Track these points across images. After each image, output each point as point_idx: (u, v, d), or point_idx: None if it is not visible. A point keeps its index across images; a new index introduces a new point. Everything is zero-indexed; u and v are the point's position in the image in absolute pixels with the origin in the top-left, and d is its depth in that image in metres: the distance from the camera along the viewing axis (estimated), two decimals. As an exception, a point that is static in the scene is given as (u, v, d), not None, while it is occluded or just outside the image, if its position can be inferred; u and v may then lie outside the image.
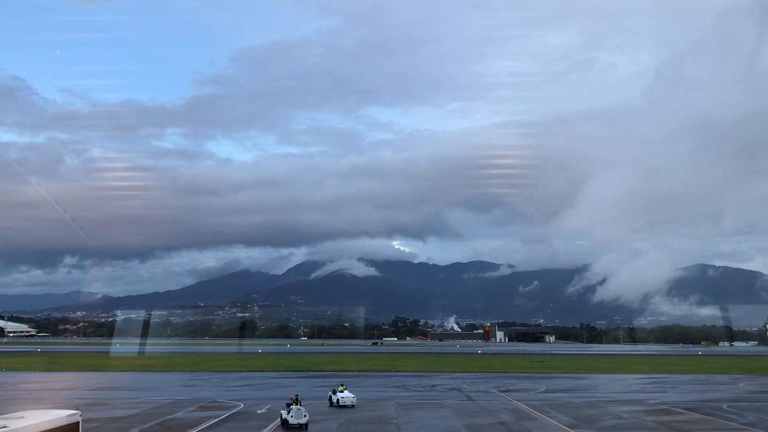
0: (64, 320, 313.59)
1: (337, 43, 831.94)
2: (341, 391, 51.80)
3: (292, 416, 39.34)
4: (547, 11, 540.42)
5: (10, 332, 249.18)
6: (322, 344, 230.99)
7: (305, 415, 39.68)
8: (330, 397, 52.25)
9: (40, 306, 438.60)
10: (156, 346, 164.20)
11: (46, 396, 59.08)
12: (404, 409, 51.08)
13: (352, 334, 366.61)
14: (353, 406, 50.38)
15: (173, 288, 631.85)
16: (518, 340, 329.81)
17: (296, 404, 40.45)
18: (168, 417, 46.47)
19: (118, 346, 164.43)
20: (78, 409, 28.25)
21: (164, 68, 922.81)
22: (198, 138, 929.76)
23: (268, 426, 42.55)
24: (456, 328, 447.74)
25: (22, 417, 25.16)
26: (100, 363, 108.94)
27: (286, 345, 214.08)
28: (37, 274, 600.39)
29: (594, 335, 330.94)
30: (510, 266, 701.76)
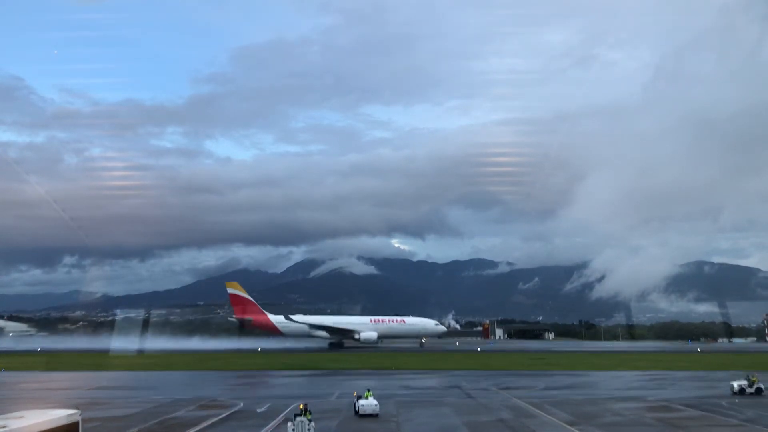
0: (64, 319, 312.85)
1: (335, 41, 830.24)
2: (366, 398, 47.02)
3: (294, 430, 36.62)
4: (546, 8, 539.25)
5: (10, 332, 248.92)
6: None
7: (309, 429, 36.70)
8: (354, 403, 47.65)
9: (39, 305, 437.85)
10: (155, 345, 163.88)
11: (46, 395, 59.07)
12: (404, 406, 51.13)
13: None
14: (376, 414, 45.50)
15: (173, 287, 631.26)
16: (517, 338, 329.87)
17: (304, 415, 37.14)
18: (168, 416, 46.51)
19: (118, 345, 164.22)
20: (78, 409, 28.26)
21: (163, 67, 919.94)
22: (197, 137, 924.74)
23: (268, 425, 42.60)
24: (455, 325, 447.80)
25: (22, 417, 25.17)
26: (100, 362, 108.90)
27: (285, 343, 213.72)
28: (37, 273, 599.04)
29: (593, 332, 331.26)
30: (509, 264, 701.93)
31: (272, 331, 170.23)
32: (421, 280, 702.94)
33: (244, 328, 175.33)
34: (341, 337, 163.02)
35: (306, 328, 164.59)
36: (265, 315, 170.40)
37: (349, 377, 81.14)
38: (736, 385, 60.98)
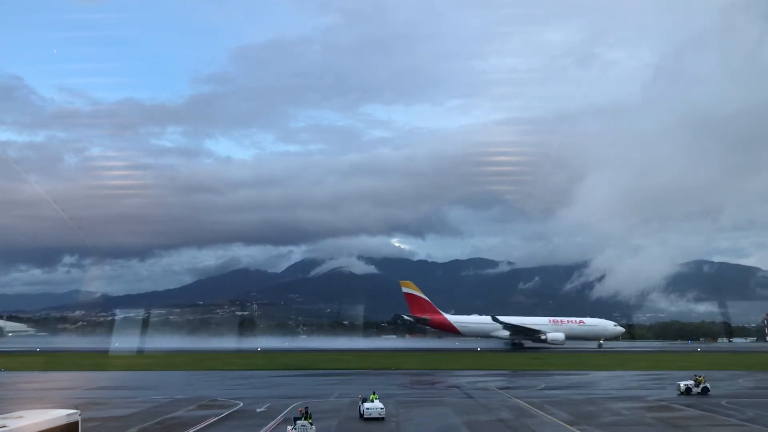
0: (63, 319, 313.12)
1: (335, 41, 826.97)
2: (371, 400, 45.25)
3: None
4: (547, 7, 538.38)
5: (9, 332, 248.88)
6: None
7: None
8: (359, 406, 45.89)
9: (39, 305, 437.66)
10: (155, 344, 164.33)
11: (46, 395, 59.03)
12: (404, 406, 51.09)
13: (351, 332, 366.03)
14: (382, 418, 43.63)
15: (172, 287, 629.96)
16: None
17: (305, 419, 36.44)
18: (168, 416, 46.50)
19: (118, 345, 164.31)
20: (77, 409, 28.26)
21: (163, 66, 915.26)
22: (197, 136, 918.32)
23: (267, 424, 42.58)
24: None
25: (21, 417, 25.16)
26: (100, 362, 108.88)
27: (285, 343, 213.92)
28: (36, 273, 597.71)
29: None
30: (509, 263, 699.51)
31: (449, 330, 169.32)
32: (421, 280, 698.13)
33: (420, 327, 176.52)
34: (525, 337, 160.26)
35: (484, 327, 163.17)
36: (442, 314, 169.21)
37: (348, 377, 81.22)
38: (682, 384, 60.88)
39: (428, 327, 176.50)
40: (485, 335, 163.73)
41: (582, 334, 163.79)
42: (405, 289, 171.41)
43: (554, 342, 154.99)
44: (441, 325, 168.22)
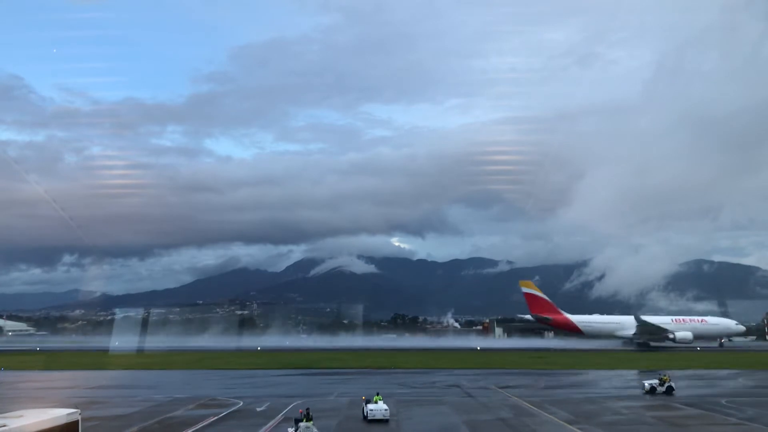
0: (63, 318, 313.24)
1: (335, 40, 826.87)
2: (375, 402, 44.34)
3: None
4: (548, 6, 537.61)
5: (9, 331, 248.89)
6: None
7: None
8: (362, 408, 44.94)
9: (38, 304, 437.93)
10: (155, 344, 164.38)
11: (46, 395, 59.07)
12: (404, 405, 51.10)
13: (351, 331, 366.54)
14: (386, 420, 42.96)
15: (172, 286, 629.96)
16: (517, 336, 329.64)
17: (306, 420, 36.08)
18: (167, 415, 46.52)
19: (117, 344, 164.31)
20: (77, 408, 28.29)
21: (163, 66, 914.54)
22: (197, 135, 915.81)
23: (267, 424, 42.60)
24: (455, 324, 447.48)
25: (22, 416, 25.19)
26: (99, 361, 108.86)
27: (285, 342, 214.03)
28: (36, 272, 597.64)
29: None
30: (509, 262, 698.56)
31: (572, 330, 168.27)
32: (421, 279, 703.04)
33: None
34: (650, 337, 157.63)
35: (608, 327, 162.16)
36: (564, 314, 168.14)
37: (347, 376, 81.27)
38: (647, 384, 60.67)
39: (551, 327, 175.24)
40: (609, 334, 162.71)
41: (705, 333, 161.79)
42: (525, 289, 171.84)
43: (682, 341, 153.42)
44: (563, 324, 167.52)
